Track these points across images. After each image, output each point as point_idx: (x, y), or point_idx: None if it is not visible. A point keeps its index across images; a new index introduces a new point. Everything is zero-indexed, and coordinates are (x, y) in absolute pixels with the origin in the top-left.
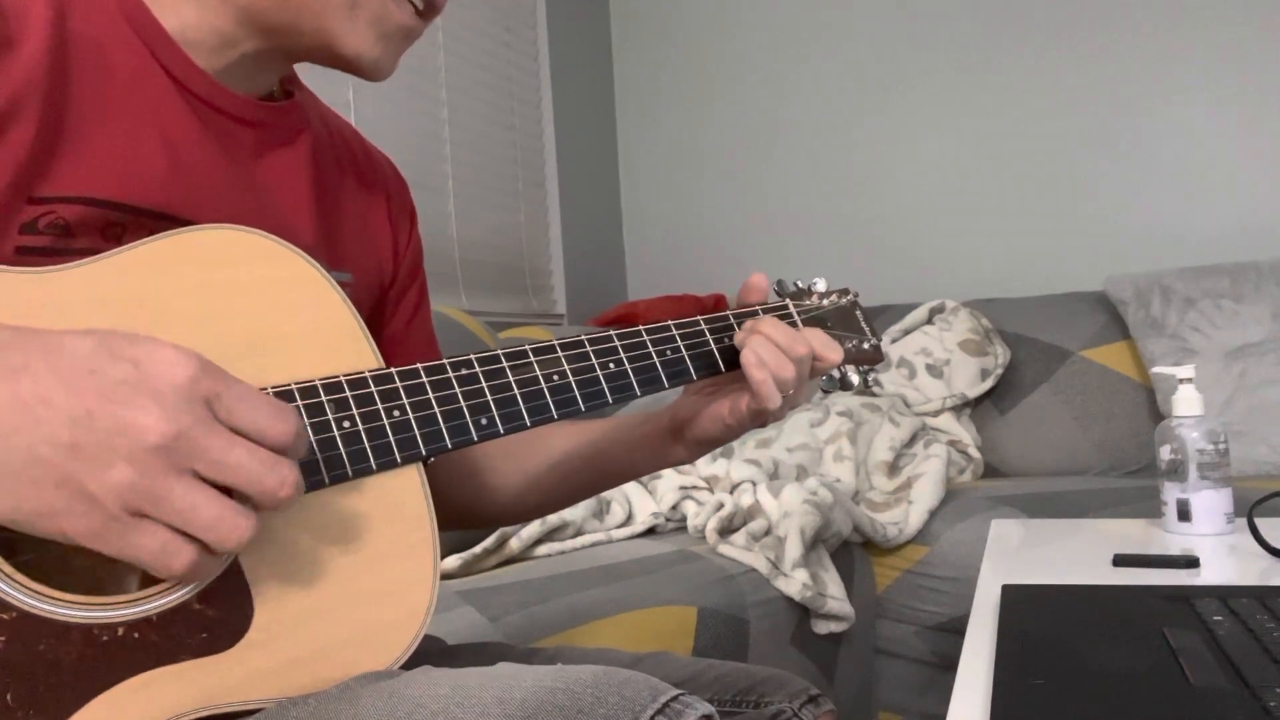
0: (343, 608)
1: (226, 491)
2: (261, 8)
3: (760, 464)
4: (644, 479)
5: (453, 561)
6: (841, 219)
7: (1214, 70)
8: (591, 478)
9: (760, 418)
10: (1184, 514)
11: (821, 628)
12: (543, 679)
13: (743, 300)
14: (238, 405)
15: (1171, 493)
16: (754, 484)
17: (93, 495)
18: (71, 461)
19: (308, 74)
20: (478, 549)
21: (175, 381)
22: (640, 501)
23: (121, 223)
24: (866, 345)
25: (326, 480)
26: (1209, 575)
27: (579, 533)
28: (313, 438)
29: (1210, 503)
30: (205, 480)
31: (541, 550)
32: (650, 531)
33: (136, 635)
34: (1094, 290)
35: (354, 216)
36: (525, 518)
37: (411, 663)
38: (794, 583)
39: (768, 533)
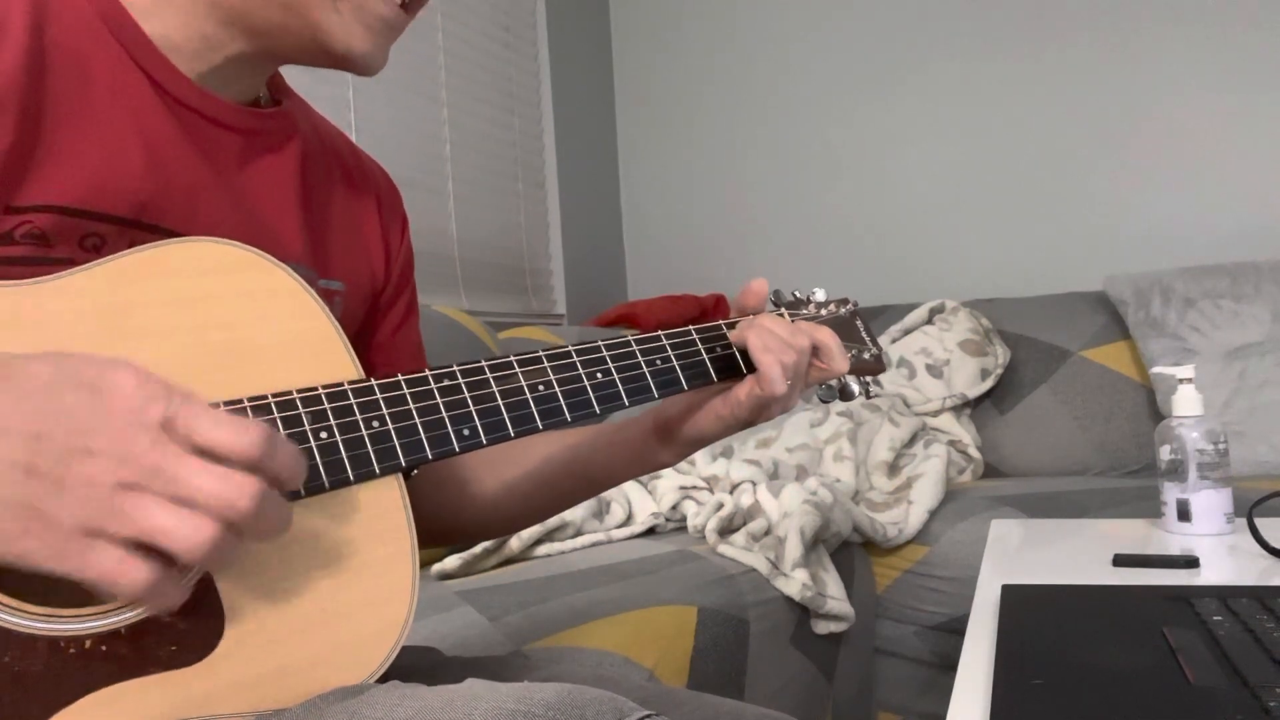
0: (317, 622)
1: None
2: (248, 8)
3: (760, 464)
4: (644, 479)
5: (453, 561)
6: (842, 219)
7: (1214, 70)
8: (572, 484)
9: (759, 411)
10: (1184, 514)
11: (821, 628)
12: (505, 700)
13: (740, 304)
14: (195, 425)
15: (1171, 493)
16: (754, 484)
17: (49, 517)
18: (28, 484)
19: (307, 74)
20: (478, 549)
21: (130, 405)
22: (640, 501)
23: (98, 232)
24: (867, 355)
25: (302, 492)
26: (1209, 575)
27: (579, 533)
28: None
29: (1210, 503)
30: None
31: (541, 550)
32: (650, 531)
33: (104, 648)
34: (1094, 290)
35: (344, 224)
36: (508, 529)
37: (402, 677)
38: (794, 583)
39: (768, 533)
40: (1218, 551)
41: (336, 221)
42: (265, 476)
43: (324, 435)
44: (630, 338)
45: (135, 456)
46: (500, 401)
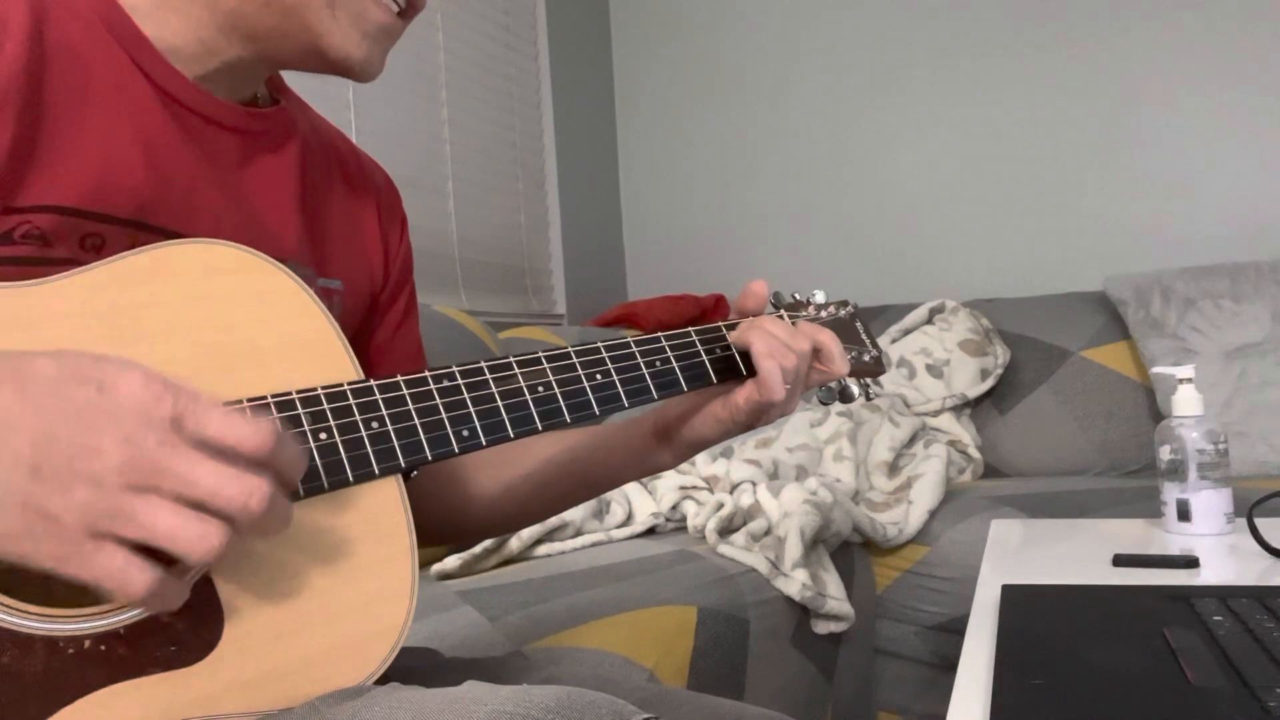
0: (316, 622)
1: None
2: (244, 13)
3: (760, 464)
4: (644, 479)
5: (453, 561)
6: (842, 219)
7: (1213, 70)
8: (571, 486)
9: (758, 415)
10: (1184, 514)
11: (821, 628)
12: (504, 704)
13: (740, 306)
14: (206, 423)
15: (1171, 493)
16: (754, 484)
17: (54, 517)
18: (33, 484)
19: (307, 73)
20: (478, 549)
21: (138, 404)
22: (640, 501)
23: (99, 232)
24: (867, 357)
25: (301, 493)
26: (1209, 575)
27: (579, 533)
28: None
29: (1210, 503)
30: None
31: (541, 550)
32: (650, 531)
33: (103, 648)
34: (1094, 290)
35: (343, 224)
36: (508, 530)
37: (401, 678)
38: (794, 583)
39: (768, 533)
40: (1218, 551)
41: (335, 220)
42: (271, 473)
43: (323, 436)
44: (630, 339)
45: (143, 456)
46: (500, 402)
